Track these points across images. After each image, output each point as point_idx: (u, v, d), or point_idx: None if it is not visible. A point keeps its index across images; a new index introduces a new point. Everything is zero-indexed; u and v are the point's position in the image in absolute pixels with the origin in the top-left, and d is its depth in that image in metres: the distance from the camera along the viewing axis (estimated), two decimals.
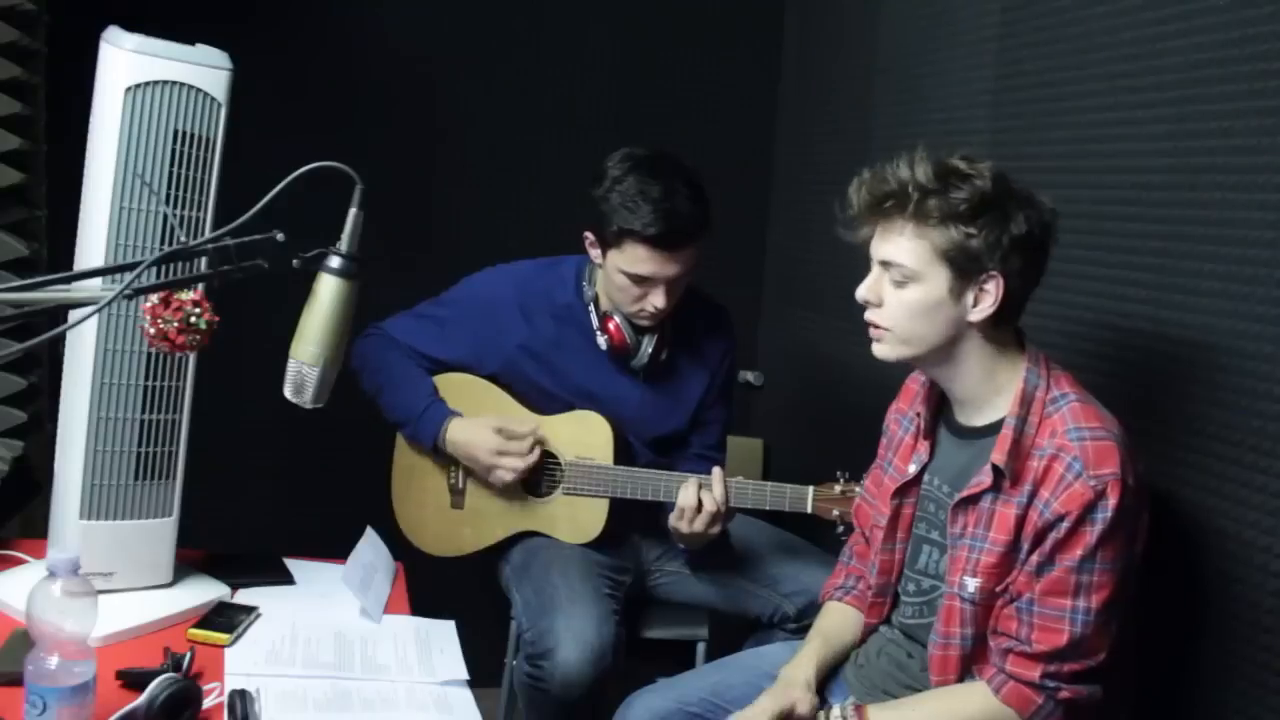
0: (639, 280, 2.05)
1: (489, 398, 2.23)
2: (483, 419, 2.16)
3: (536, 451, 2.16)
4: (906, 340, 1.50)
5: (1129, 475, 1.40)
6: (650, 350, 2.17)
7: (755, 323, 3.17)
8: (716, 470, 2.02)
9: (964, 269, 1.45)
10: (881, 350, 1.54)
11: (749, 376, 3.13)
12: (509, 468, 2.14)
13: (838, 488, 2.00)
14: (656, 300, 2.07)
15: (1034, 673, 1.45)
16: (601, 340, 2.17)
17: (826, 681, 1.74)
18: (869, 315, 1.54)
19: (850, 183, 1.54)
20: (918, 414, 1.65)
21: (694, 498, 2.00)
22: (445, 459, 2.23)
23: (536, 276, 2.24)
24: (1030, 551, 1.44)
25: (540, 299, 2.21)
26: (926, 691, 1.58)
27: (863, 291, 1.53)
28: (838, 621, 1.77)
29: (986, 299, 1.46)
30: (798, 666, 1.70)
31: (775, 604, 2.18)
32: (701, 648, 2.26)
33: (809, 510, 2.02)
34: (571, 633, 1.93)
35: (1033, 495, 1.45)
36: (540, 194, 2.91)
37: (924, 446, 1.63)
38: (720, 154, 2.99)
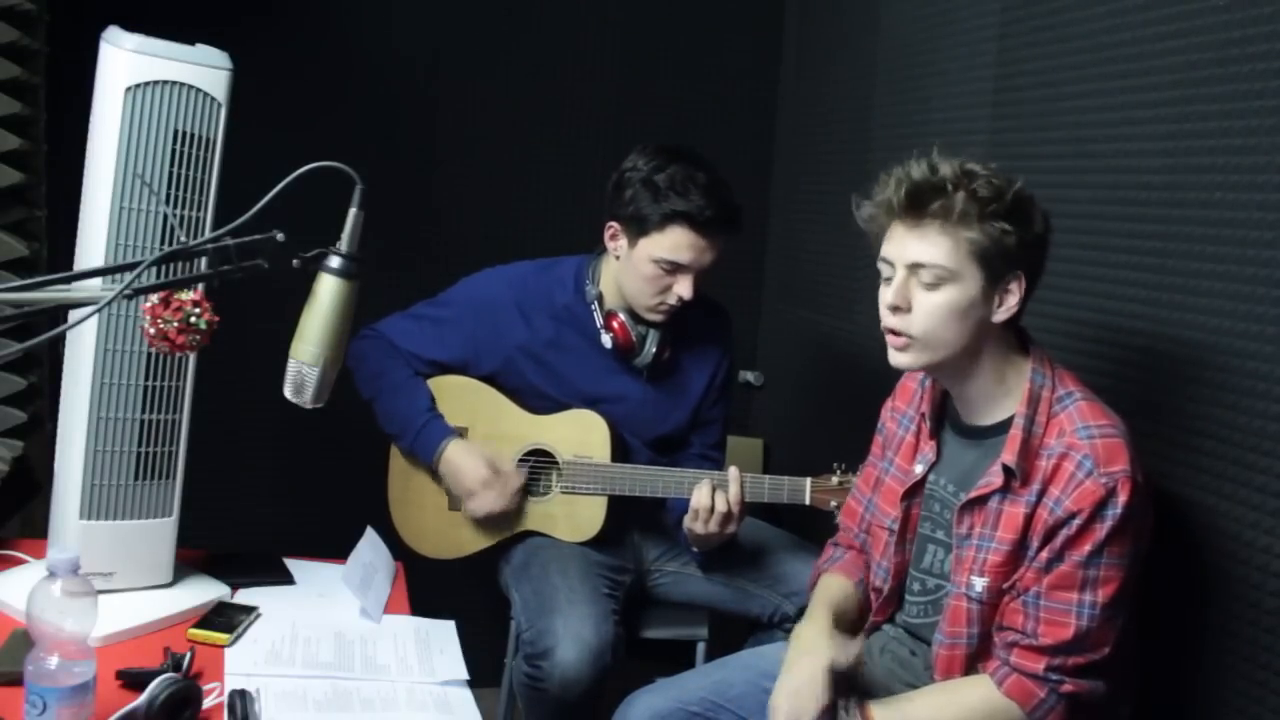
0: (671, 268, 2.05)
1: (484, 399, 2.23)
2: (478, 448, 2.17)
3: (517, 497, 2.17)
4: (932, 346, 1.48)
5: (1138, 472, 1.41)
6: (654, 349, 2.17)
7: (755, 323, 3.17)
8: (733, 470, 2.03)
9: (996, 268, 1.45)
10: (904, 360, 1.51)
11: (749, 376, 3.13)
12: (489, 501, 2.15)
13: (835, 479, 2.02)
14: (683, 290, 2.07)
15: (1038, 665, 1.45)
16: (606, 339, 2.17)
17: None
18: (894, 322, 1.49)
19: (876, 180, 1.51)
20: (921, 414, 1.65)
21: (708, 498, 2.00)
22: None
23: (534, 277, 2.24)
24: (1040, 549, 1.45)
25: (539, 299, 2.21)
26: (929, 685, 1.58)
27: (892, 297, 1.48)
28: (834, 589, 1.75)
29: (1010, 299, 1.47)
30: (813, 627, 1.63)
31: (775, 604, 2.18)
32: (701, 648, 2.26)
33: (807, 502, 2.03)
34: (570, 632, 1.93)
35: (1042, 494, 1.45)
36: (539, 194, 2.91)
37: (930, 447, 1.62)
38: (720, 154, 2.96)
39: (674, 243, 2.03)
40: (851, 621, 1.73)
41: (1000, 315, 1.47)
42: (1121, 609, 1.44)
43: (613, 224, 2.12)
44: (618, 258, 2.13)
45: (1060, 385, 1.50)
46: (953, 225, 1.44)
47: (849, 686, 1.58)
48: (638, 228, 2.07)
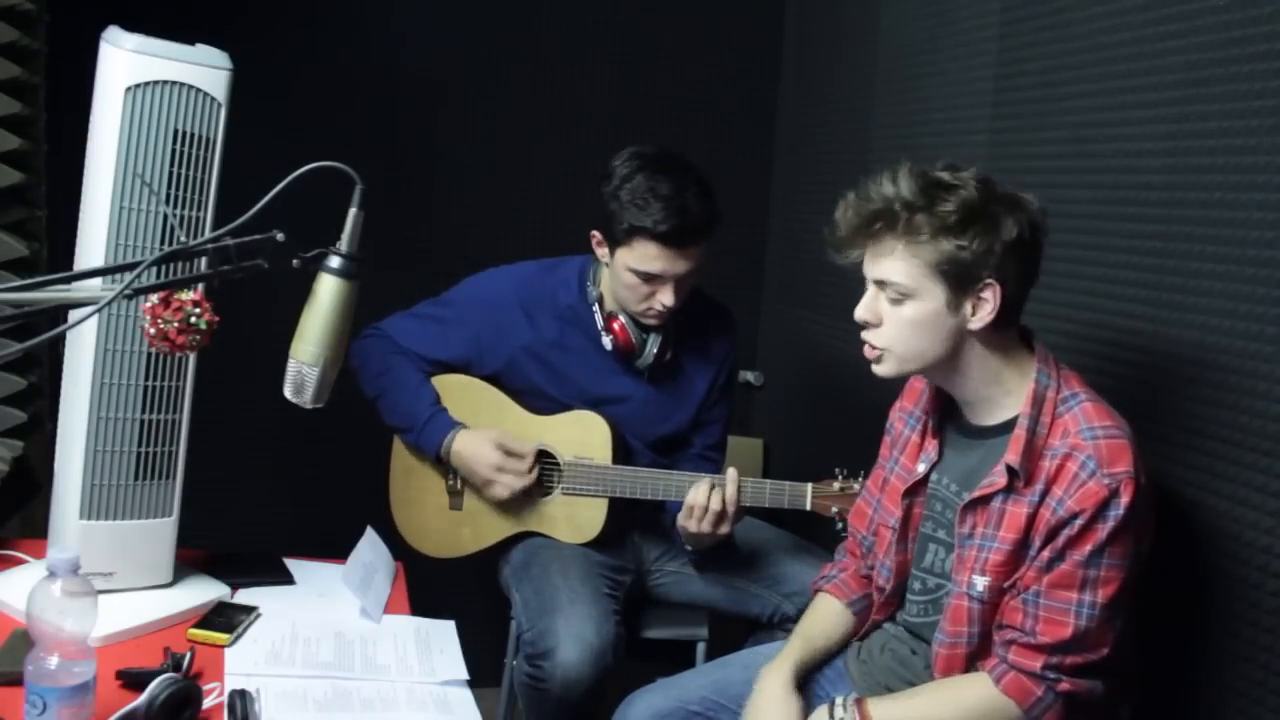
0: (648, 278, 2.05)
1: (487, 398, 2.23)
2: (485, 433, 2.17)
3: (535, 471, 2.16)
4: (905, 358, 1.51)
5: (1141, 474, 1.41)
6: (655, 350, 2.17)
7: (755, 323, 3.17)
8: (731, 471, 2.02)
9: (959, 281, 1.45)
10: (882, 370, 1.55)
11: (749, 376, 3.13)
12: (506, 485, 2.15)
13: (836, 484, 2.01)
14: (665, 298, 2.07)
15: (1035, 663, 1.45)
16: (607, 341, 2.17)
17: (810, 678, 1.74)
18: (866, 335, 1.54)
19: (837, 202, 1.54)
20: (925, 412, 1.66)
21: (704, 497, 2.00)
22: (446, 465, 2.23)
23: (539, 277, 2.24)
24: (1041, 548, 1.45)
25: (543, 299, 2.21)
26: (927, 683, 1.58)
27: (860, 312, 1.53)
28: (819, 619, 1.77)
29: (985, 307, 1.46)
30: (775, 678, 1.68)
31: (775, 604, 2.18)
32: (701, 648, 2.26)
33: (808, 507, 2.03)
34: (571, 633, 1.93)
35: (1045, 494, 1.45)
36: (540, 195, 2.91)
37: (932, 445, 1.63)
38: (720, 155, 2.98)
39: (641, 255, 2.03)
40: (829, 652, 1.76)
41: (975, 323, 1.47)
42: (1121, 610, 1.44)
43: (595, 232, 2.12)
44: (606, 265, 2.14)
45: (1065, 386, 1.50)
46: (904, 245, 1.46)
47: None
48: (611, 239, 2.08)
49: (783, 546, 2.28)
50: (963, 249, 1.43)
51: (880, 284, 1.50)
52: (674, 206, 1.99)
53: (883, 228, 1.47)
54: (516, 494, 2.16)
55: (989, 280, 1.45)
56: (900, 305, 1.49)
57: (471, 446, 2.15)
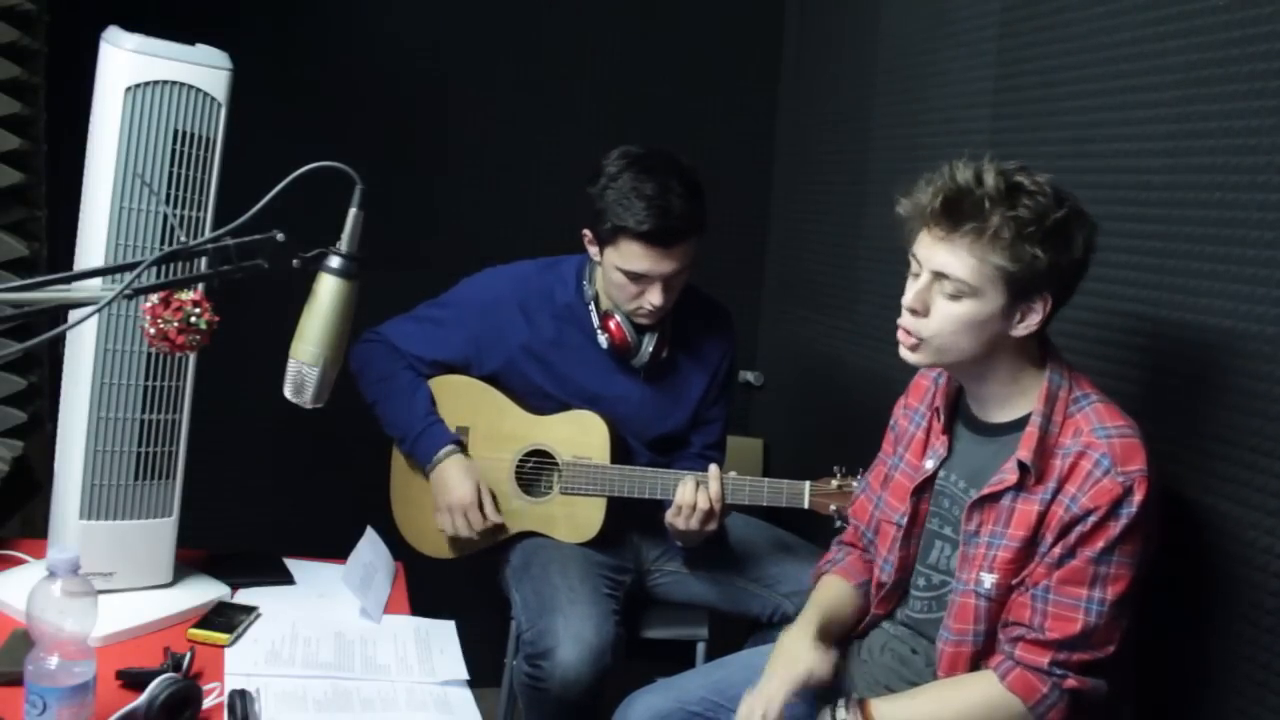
0: (635, 277, 2.06)
1: (486, 399, 2.23)
2: (474, 474, 2.16)
3: (484, 536, 2.18)
4: (943, 350, 1.49)
5: (1153, 473, 1.42)
6: (651, 349, 2.17)
7: (755, 323, 3.17)
8: (713, 468, 2.03)
9: (1022, 289, 1.43)
10: (914, 357, 1.52)
11: (749, 376, 3.13)
12: (453, 523, 2.16)
13: (834, 483, 2.01)
14: (654, 297, 2.07)
15: (1043, 659, 1.45)
16: (602, 339, 2.17)
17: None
18: (908, 322, 1.50)
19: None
20: (934, 409, 1.65)
21: (691, 495, 2.01)
22: None
23: (536, 276, 2.24)
24: (1053, 545, 1.45)
25: (540, 298, 2.21)
26: (930, 682, 1.58)
27: (910, 300, 1.49)
28: (831, 593, 1.76)
29: (1033, 317, 1.46)
30: (798, 634, 1.64)
31: (775, 604, 2.18)
32: (701, 648, 2.27)
33: (806, 505, 2.03)
34: (571, 632, 1.93)
35: (1057, 491, 1.45)
36: (540, 194, 2.91)
37: (942, 442, 1.62)
38: (720, 154, 2.98)
39: (626, 254, 2.03)
40: (844, 625, 1.74)
41: (1020, 331, 1.47)
42: (1127, 608, 1.45)
43: (586, 231, 2.12)
44: (598, 263, 2.14)
45: (1077, 387, 1.51)
46: (983, 245, 1.42)
47: (831, 692, 1.60)
48: (599, 239, 2.08)
49: (782, 546, 2.28)
50: (1037, 259, 1.41)
51: (939, 275, 1.46)
52: (657, 206, 1.99)
53: (969, 221, 1.42)
54: (448, 536, 2.19)
55: (1045, 293, 1.44)
56: (956, 301, 1.45)
57: (453, 475, 2.16)
